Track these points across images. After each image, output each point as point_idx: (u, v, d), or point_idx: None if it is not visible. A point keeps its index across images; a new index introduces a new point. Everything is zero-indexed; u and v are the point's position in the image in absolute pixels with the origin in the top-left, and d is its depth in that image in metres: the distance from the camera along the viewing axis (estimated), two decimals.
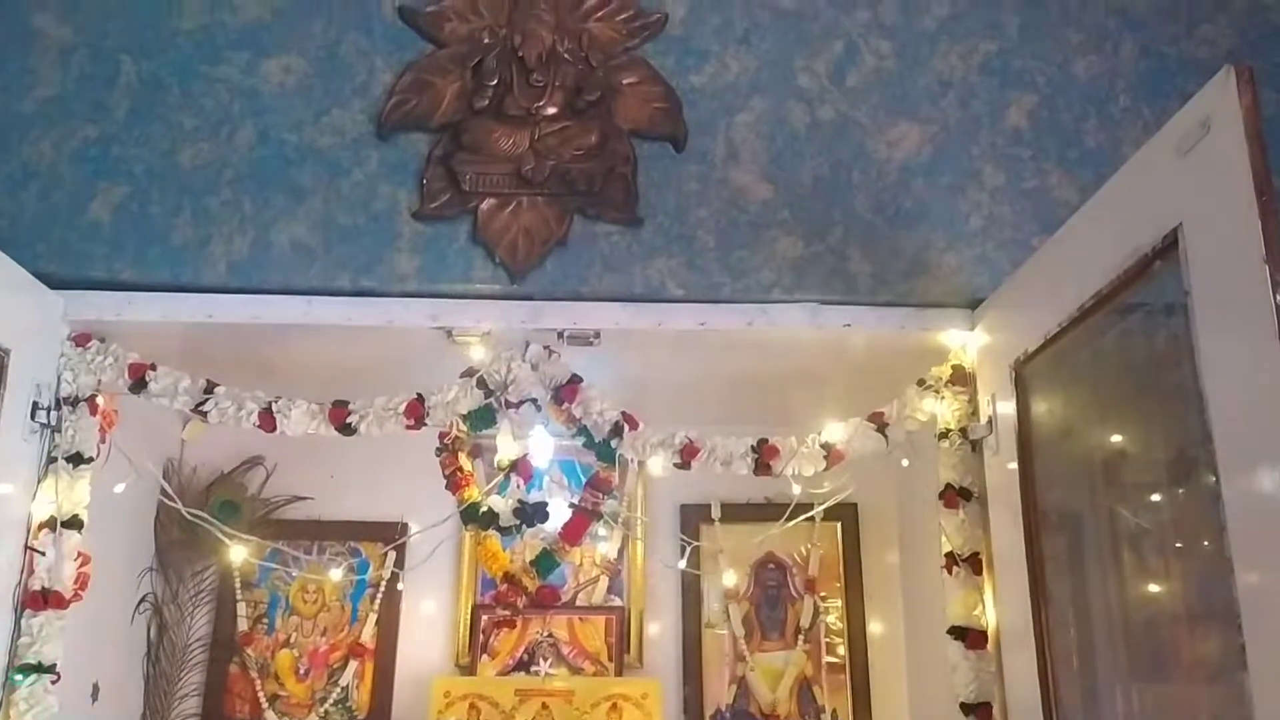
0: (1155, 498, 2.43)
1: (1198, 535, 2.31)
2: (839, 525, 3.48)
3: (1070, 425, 2.54)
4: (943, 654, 2.62)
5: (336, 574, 3.10)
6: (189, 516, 2.81)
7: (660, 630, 3.39)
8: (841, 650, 3.37)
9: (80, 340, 2.65)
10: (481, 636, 3.31)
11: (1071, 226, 2.29)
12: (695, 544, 3.20)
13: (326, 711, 3.25)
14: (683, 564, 3.25)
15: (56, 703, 2.41)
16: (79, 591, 2.52)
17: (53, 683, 2.41)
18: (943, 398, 2.68)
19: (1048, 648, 2.36)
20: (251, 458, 3.42)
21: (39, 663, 2.40)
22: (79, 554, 2.54)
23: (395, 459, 3.34)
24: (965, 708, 2.47)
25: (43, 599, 2.42)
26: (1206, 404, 1.82)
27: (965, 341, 2.71)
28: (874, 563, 3.48)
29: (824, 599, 3.42)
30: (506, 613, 3.13)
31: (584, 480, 2.88)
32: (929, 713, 3.10)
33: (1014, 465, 2.50)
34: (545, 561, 2.67)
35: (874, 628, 3.41)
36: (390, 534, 3.26)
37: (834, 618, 3.41)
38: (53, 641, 2.42)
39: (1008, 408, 2.52)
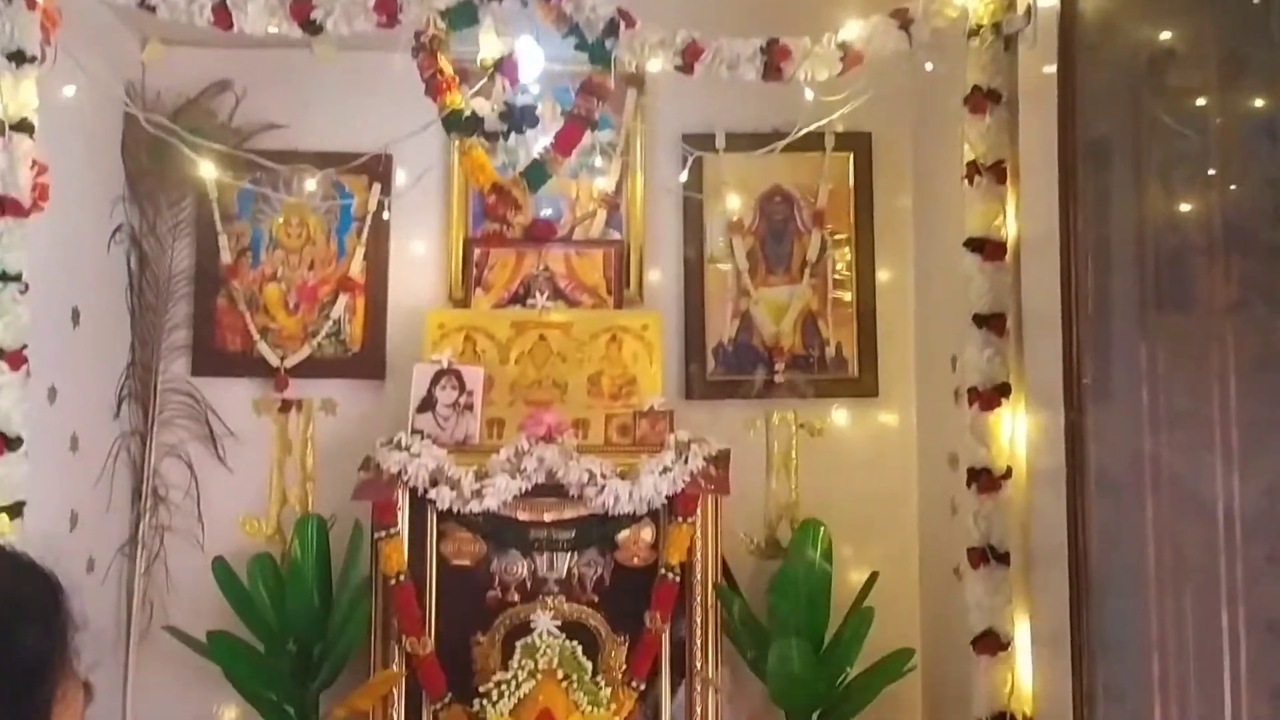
0: (1202, 102, 2.23)
1: (1247, 149, 2.13)
2: (851, 156, 3.28)
3: (1117, 17, 2.29)
4: (955, 273, 2.50)
5: (311, 184, 2.95)
6: (150, 127, 2.62)
7: (661, 264, 3.28)
8: (849, 297, 3.26)
9: None
10: (475, 270, 3.21)
11: None
12: (696, 154, 3.02)
13: (319, 344, 3.20)
14: (684, 177, 3.08)
15: (27, 313, 2.33)
16: (39, 202, 2.38)
17: (20, 293, 2.31)
18: None
19: (1072, 258, 2.23)
20: (218, 81, 3.18)
21: (3, 271, 2.29)
22: (34, 162, 2.37)
23: (374, 82, 3.11)
24: (978, 319, 2.38)
25: None
26: None
27: None
28: (885, 204, 3.31)
29: (832, 234, 3.28)
30: (497, 227, 3.00)
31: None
32: (936, 335, 3.03)
33: (1052, 68, 2.28)
34: (535, 172, 2.49)
35: (883, 275, 3.29)
36: (373, 164, 3.07)
37: (842, 264, 3.27)
38: (15, 250, 2.30)
39: None
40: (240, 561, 3.03)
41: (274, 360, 3.17)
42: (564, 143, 2.50)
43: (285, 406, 3.19)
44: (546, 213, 3.25)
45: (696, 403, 3.21)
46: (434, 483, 2.84)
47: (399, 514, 2.87)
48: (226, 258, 3.20)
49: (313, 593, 2.96)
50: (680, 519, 2.85)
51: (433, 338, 3.10)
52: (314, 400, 3.21)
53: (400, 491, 2.87)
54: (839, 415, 3.25)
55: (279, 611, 2.95)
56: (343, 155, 3.08)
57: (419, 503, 2.87)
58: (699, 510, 2.88)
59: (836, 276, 3.28)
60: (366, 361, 3.22)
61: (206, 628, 2.94)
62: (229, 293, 3.20)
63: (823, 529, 3.01)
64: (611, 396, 3.08)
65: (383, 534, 2.84)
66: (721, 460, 2.92)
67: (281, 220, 3.23)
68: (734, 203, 3.25)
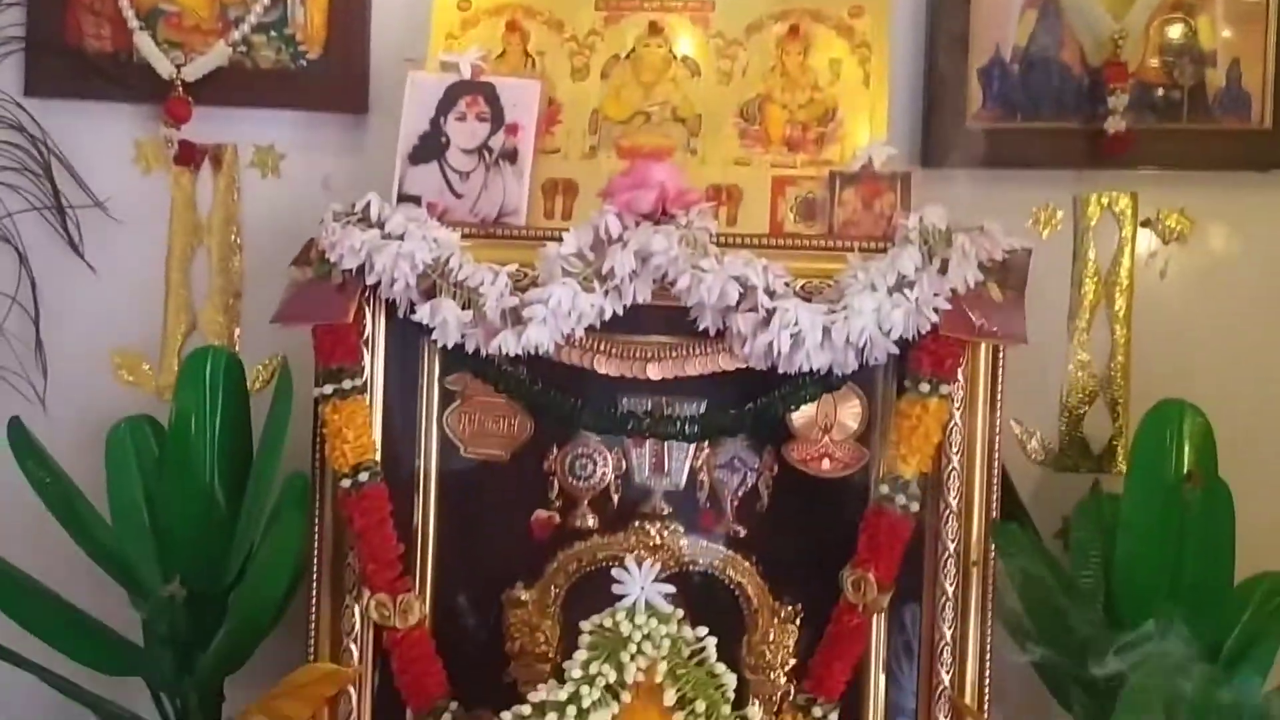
0: None
1: None
2: None
3: None
4: None
5: None
6: None
7: None
8: None
9: None
10: None
11: None
12: None
13: (249, 42, 1.84)
14: None
15: None
16: None
17: None
18: None
19: None
20: None
21: None
22: None
23: None
24: None
25: None
26: None
27: None
28: None
29: None
30: None
31: None
32: None
33: None
34: None
35: None
36: None
37: None
38: None
39: None
40: (102, 428, 1.75)
41: (166, 70, 1.82)
42: None
43: (189, 156, 1.86)
44: None
45: (943, 172, 1.77)
46: (431, 292, 1.50)
47: (363, 350, 1.55)
48: None
49: (211, 491, 1.66)
50: (925, 387, 1.47)
51: (446, 26, 1.72)
52: (241, 147, 1.88)
53: (366, 308, 1.55)
54: (1223, 203, 1.78)
55: (154, 526, 1.67)
56: None
57: (404, 332, 1.55)
58: (961, 370, 1.49)
59: None
60: (333, 76, 1.84)
61: (40, 549, 1.70)
62: None
63: (1197, 421, 1.56)
64: (787, 144, 1.66)
65: (329, 389, 1.53)
66: (1014, 271, 1.51)
67: None
68: None
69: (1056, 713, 1.58)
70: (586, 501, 1.60)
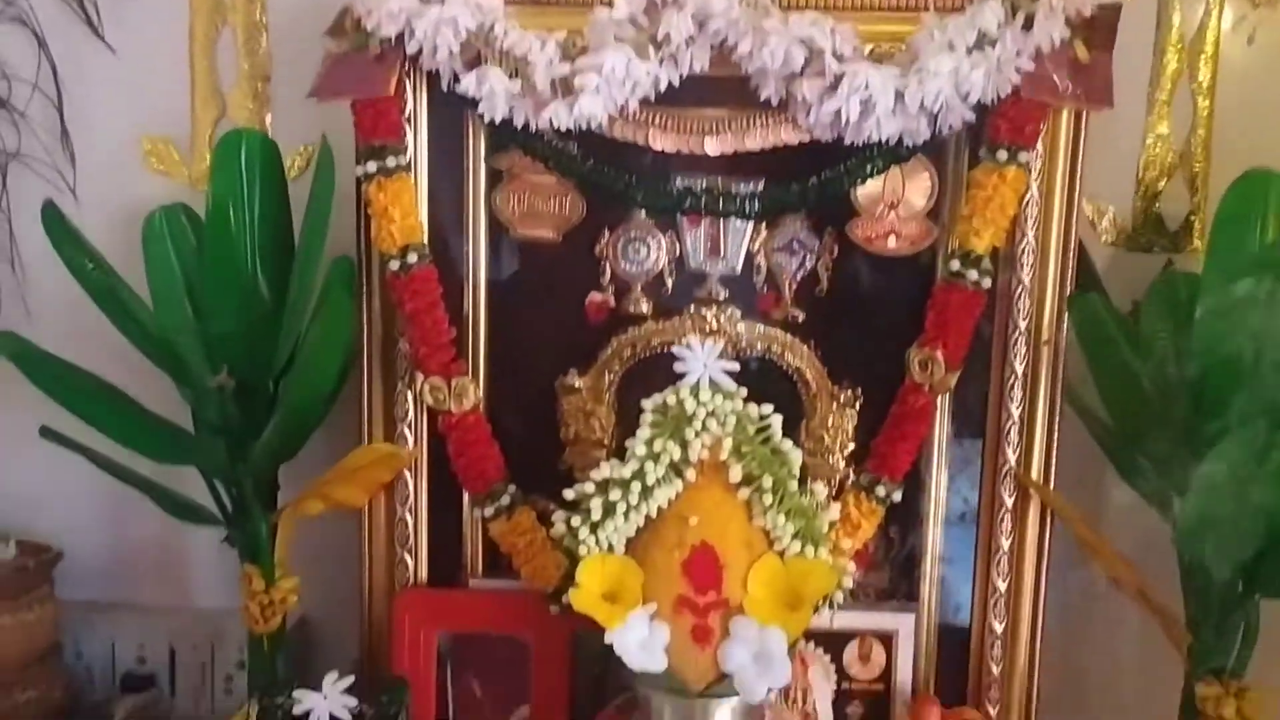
0: None
1: None
2: None
3: None
4: None
5: None
6: None
7: None
8: None
9: None
10: None
11: None
12: None
13: None
14: None
15: None
16: None
17: None
18: None
19: None
20: None
21: None
22: None
23: None
24: None
25: None
26: None
27: None
28: None
29: None
30: None
31: None
32: None
33: None
34: None
35: None
36: None
37: None
38: None
39: None
40: (135, 218, 1.70)
41: None
42: None
43: None
44: None
45: None
46: (475, 63, 1.42)
47: (405, 128, 1.47)
48: None
49: (254, 279, 1.61)
50: (1003, 154, 1.39)
51: None
52: None
53: (407, 81, 1.46)
54: None
55: (197, 316, 1.63)
56: None
57: (447, 109, 1.47)
58: (1040, 139, 1.41)
59: None
60: None
61: (80, 342, 1.67)
62: None
63: None
64: None
65: (373, 166, 1.46)
66: (1102, 29, 1.41)
67: None
68: None
69: (1112, 480, 1.56)
70: (640, 286, 1.55)
